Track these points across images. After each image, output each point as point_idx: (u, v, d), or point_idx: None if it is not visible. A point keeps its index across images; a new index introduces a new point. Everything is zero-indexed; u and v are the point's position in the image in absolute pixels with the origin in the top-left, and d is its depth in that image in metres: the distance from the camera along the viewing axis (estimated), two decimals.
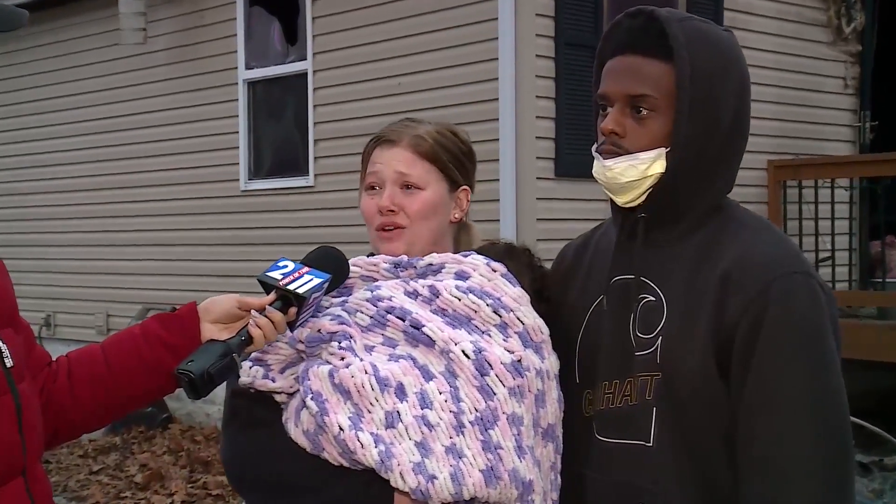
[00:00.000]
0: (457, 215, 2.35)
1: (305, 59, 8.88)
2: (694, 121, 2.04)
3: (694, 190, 2.09)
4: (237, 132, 9.37)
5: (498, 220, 7.42)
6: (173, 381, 2.06)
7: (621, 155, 2.09)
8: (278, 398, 2.17)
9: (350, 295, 2.22)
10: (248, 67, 9.36)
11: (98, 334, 10.28)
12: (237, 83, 9.38)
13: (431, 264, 2.22)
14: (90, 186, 10.75)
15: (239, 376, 2.17)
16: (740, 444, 1.98)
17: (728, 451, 2.01)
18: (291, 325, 2.10)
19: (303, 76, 8.91)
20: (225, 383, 2.23)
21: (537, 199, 7.52)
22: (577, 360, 2.21)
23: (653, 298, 2.09)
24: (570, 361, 2.21)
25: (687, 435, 2.03)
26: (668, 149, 2.07)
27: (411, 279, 2.22)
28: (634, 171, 2.08)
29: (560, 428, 2.18)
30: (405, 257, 2.25)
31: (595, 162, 2.14)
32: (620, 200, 2.14)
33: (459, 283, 2.17)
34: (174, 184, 9.95)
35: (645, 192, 2.10)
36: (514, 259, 2.28)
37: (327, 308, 2.18)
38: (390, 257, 2.26)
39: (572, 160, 7.49)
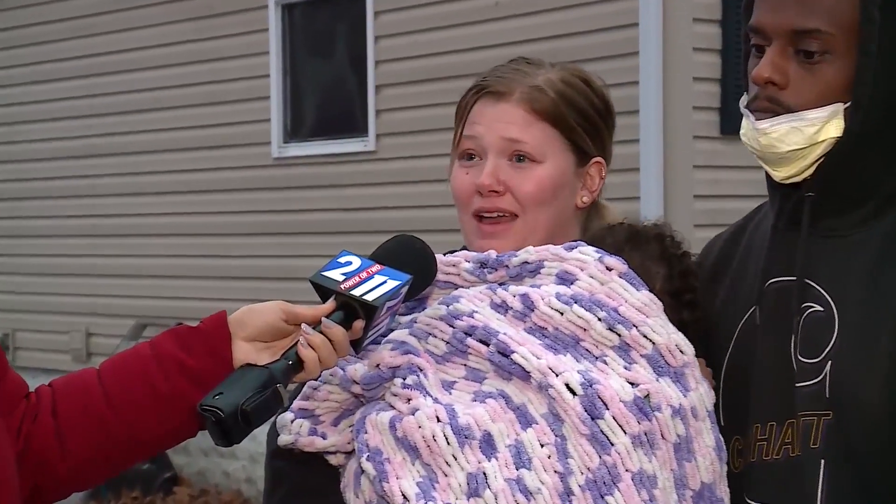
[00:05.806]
0: (584, 199, 2.39)
1: None
2: (885, 66, 2.06)
3: (882, 161, 2.11)
4: (268, 76, 9.48)
5: (637, 198, 7.41)
6: (196, 420, 2.12)
7: (781, 114, 2.11)
8: (333, 460, 2.23)
9: (422, 310, 2.27)
10: None
11: (74, 361, 10.42)
12: (267, 6, 9.48)
13: (527, 262, 2.26)
14: (64, 153, 10.93)
15: (278, 433, 2.22)
16: None
17: None
18: (357, 345, 2.15)
19: None
20: (266, 441, 2.29)
21: (695, 166, 7.52)
22: (720, 394, 2.24)
23: (820, 308, 2.12)
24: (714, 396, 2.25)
25: (867, 499, 2.05)
26: (847, 105, 2.09)
27: (500, 285, 2.25)
28: (799, 137, 2.11)
29: (724, 486, 2.21)
30: (493, 253, 2.28)
31: (744, 122, 2.17)
32: (779, 175, 2.17)
33: (562, 289, 2.20)
34: (180, 149, 10.09)
35: (813, 164, 2.13)
36: (641, 249, 2.30)
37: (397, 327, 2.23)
38: (474, 254, 2.30)
39: None
